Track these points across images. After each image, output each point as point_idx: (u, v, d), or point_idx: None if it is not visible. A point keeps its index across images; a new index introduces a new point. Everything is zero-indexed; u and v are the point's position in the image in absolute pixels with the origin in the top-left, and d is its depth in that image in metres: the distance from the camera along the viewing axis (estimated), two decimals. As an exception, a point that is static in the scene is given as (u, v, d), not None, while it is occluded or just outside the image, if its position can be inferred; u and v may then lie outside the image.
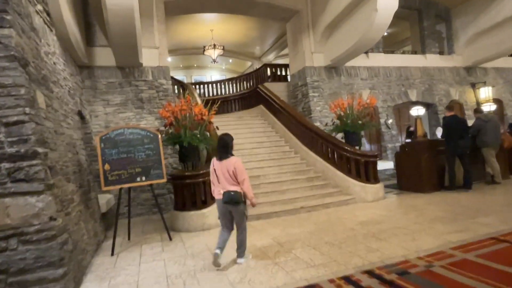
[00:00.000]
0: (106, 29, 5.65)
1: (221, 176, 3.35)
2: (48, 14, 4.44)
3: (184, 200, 5.20)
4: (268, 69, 10.75)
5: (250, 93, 10.97)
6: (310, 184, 6.74)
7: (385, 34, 12.86)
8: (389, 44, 12.88)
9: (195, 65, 16.60)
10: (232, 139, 3.48)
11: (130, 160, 4.55)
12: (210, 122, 5.68)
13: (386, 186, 7.20)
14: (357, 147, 6.65)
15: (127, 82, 7.21)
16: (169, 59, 14.66)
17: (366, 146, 9.30)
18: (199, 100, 8.52)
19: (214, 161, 3.45)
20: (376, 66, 9.73)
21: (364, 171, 6.41)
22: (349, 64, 9.20)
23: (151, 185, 4.70)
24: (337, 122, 6.79)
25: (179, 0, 7.93)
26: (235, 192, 3.28)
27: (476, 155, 6.85)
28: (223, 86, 12.31)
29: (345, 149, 6.54)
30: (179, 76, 16.53)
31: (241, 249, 3.48)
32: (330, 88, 9.02)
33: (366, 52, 9.71)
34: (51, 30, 4.58)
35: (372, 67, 9.68)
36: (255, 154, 7.77)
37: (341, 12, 7.67)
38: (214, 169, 3.42)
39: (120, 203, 4.61)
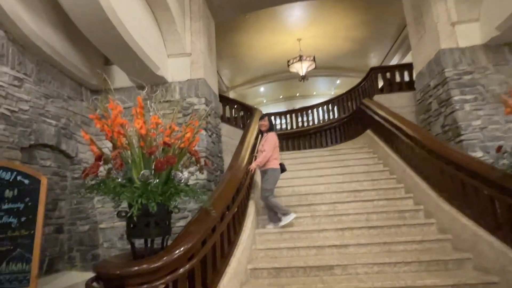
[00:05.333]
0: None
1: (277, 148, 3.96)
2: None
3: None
4: (380, 75, 6.93)
5: (352, 116, 7.33)
6: (464, 307, 2.56)
7: None
8: None
9: (297, 94, 13.88)
10: None
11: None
12: (193, 153, 2.68)
13: None
14: None
15: (145, 105, 5.18)
16: (262, 88, 12.55)
17: None
18: (254, 127, 5.70)
19: (275, 135, 3.98)
20: None
21: None
22: (543, 32, 4.55)
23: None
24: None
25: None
26: None
27: None
28: (315, 113, 9.01)
29: None
30: (280, 109, 14.17)
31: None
32: (502, 82, 4.52)
33: None
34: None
35: None
36: (337, 214, 4.07)
37: None
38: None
39: None
